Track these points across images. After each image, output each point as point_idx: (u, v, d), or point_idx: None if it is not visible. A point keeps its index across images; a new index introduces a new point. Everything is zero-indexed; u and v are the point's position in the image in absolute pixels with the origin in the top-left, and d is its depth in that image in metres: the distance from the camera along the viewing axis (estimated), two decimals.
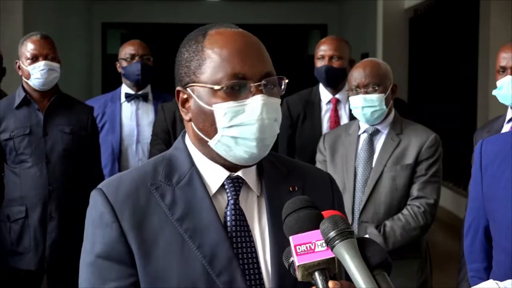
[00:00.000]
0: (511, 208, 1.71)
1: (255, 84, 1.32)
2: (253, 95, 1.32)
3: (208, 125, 1.35)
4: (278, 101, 1.36)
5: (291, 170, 1.46)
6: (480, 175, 1.82)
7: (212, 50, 1.34)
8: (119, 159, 3.99)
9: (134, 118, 4.05)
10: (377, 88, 2.95)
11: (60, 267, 3.42)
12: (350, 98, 3.01)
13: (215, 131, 1.34)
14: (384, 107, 2.96)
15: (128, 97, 4.07)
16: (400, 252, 2.88)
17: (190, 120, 1.39)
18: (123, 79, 4.11)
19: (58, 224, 3.34)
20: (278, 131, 1.37)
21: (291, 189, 1.41)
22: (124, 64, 4.06)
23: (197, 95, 1.35)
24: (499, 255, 1.80)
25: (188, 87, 1.37)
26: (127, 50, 4.08)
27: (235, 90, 1.32)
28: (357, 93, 2.97)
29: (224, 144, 1.34)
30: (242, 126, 1.32)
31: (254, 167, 1.42)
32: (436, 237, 6.50)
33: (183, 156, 1.40)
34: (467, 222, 1.93)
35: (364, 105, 2.94)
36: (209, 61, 1.34)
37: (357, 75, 2.98)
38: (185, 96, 1.39)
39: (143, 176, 1.37)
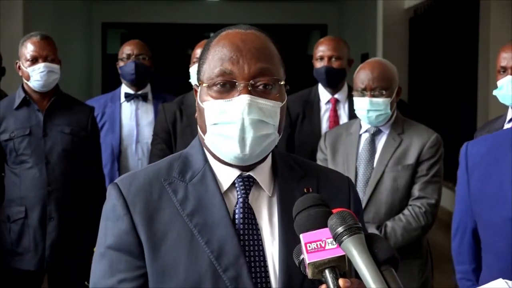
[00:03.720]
0: (501, 209, 1.71)
1: (243, 83, 1.33)
2: (239, 94, 1.33)
3: (202, 122, 1.39)
4: (268, 102, 1.35)
5: (307, 172, 1.47)
6: (466, 177, 1.82)
7: (214, 50, 1.37)
8: (119, 159, 3.99)
9: (133, 118, 4.05)
10: (384, 92, 2.92)
11: (60, 267, 3.42)
12: (355, 99, 2.98)
13: (206, 129, 1.38)
14: (389, 111, 2.95)
15: (128, 97, 4.06)
16: (401, 252, 2.87)
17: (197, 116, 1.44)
18: (122, 79, 4.12)
19: (58, 225, 3.34)
20: (265, 132, 1.35)
21: (305, 191, 1.42)
22: (121, 63, 4.08)
23: (199, 92, 1.40)
24: (488, 256, 1.80)
25: (199, 84, 1.41)
26: (124, 50, 4.10)
27: (225, 88, 1.34)
28: (363, 95, 2.94)
29: (212, 142, 1.37)
30: (224, 124, 1.34)
31: (267, 168, 1.44)
32: (437, 237, 6.50)
33: (197, 153, 1.43)
34: (454, 224, 1.94)
35: (370, 109, 2.92)
36: (208, 60, 1.38)
37: (364, 77, 2.94)
38: (197, 93, 1.43)
39: (157, 172, 1.40)
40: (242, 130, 1.33)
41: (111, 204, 1.37)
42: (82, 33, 11.51)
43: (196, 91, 1.43)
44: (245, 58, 1.34)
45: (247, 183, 1.40)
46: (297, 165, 1.47)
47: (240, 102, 1.32)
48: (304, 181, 1.44)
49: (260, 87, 1.34)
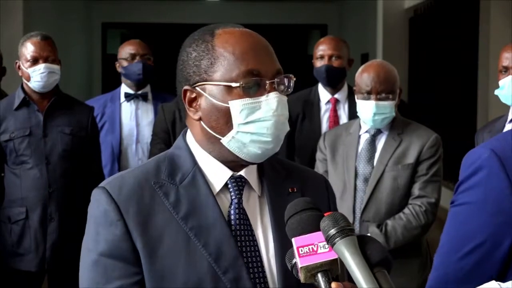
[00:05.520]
0: None
1: (270, 81, 1.35)
2: (268, 92, 1.35)
3: (223, 123, 1.36)
4: (286, 98, 1.39)
5: (289, 172, 1.48)
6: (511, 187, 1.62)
7: (225, 49, 1.35)
8: (119, 159, 3.98)
9: (133, 118, 4.04)
10: (390, 96, 2.92)
11: (61, 268, 3.41)
12: (359, 102, 2.97)
13: (229, 128, 1.35)
14: (394, 113, 2.96)
15: (128, 96, 4.05)
16: (401, 251, 2.88)
17: (199, 119, 1.39)
18: (123, 79, 4.09)
19: (59, 225, 3.34)
20: (288, 128, 1.40)
21: (290, 190, 1.43)
22: (125, 63, 4.04)
23: (209, 93, 1.36)
24: None
25: (198, 86, 1.37)
26: (127, 49, 4.06)
27: (250, 87, 1.34)
28: (368, 99, 2.93)
29: (239, 140, 1.35)
30: (258, 122, 1.34)
31: (255, 168, 1.44)
32: (437, 237, 6.50)
33: (185, 155, 1.41)
34: (476, 239, 1.68)
35: (376, 112, 2.92)
36: (222, 59, 1.35)
37: (369, 80, 2.92)
38: (193, 95, 1.39)
39: (146, 175, 1.37)
40: (276, 126, 1.35)
41: (103, 209, 1.33)
42: (82, 33, 11.51)
43: (186, 93, 1.39)
44: (265, 55, 1.37)
45: (240, 184, 1.40)
46: (279, 165, 1.48)
47: (273, 99, 1.34)
48: (288, 181, 1.45)
49: (280, 83, 1.37)
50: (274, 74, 1.36)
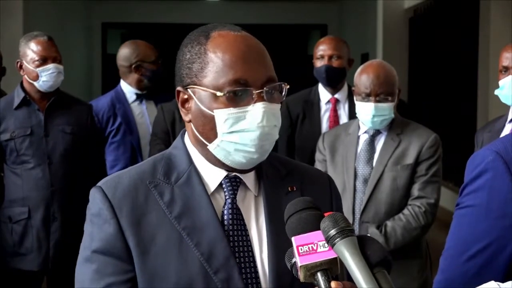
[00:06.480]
0: None
1: (257, 91, 1.33)
2: (255, 102, 1.33)
3: (208, 129, 1.35)
4: (278, 106, 1.37)
5: (290, 171, 1.47)
6: None
7: (215, 54, 1.34)
8: (142, 158, 3.96)
9: (146, 117, 4.03)
10: (389, 98, 2.92)
11: (64, 267, 3.41)
12: (358, 104, 2.97)
13: (215, 136, 1.35)
14: (393, 114, 2.96)
15: (139, 97, 4.03)
16: (401, 252, 2.88)
17: (190, 121, 1.40)
18: (146, 82, 4.04)
19: (61, 224, 3.34)
20: (277, 136, 1.37)
21: (289, 189, 1.42)
22: (151, 67, 3.98)
23: (198, 98, 1.36)
24: None
25: (189, 88, 1.37)
26: (151, 52, 4.01)
27: (237, 96, 1.32)
28: (368, 101, 2.93)
29: (223, 149, 1.35)
30: (242, 132, 1.33)
31: None
32: (436, 237, 6.49)
33: (182, 155, 1.41)
34: (481, 243, 1.66)
35: (375, 114, 2.92)
36: (212, 65, 1.34)
37: (369, 82, 2.92)
38: (185, 96, 1.39)
39: (142, 174, 1.38)
40: (261, 137, 1.33)
41: (97, 208, 1.35)
42: (82, 33, 11.51)
43: (179, 94, 1.39)
44: (256, 63, 1.34)
45: (234, 184, 1.39)
46: (279, 164, 1.47)
47: (258, 110, 1.32)
48: (288, 180, 1.45)
49: (269, 92, 1.35)
50: (264, 82, 1.34)
